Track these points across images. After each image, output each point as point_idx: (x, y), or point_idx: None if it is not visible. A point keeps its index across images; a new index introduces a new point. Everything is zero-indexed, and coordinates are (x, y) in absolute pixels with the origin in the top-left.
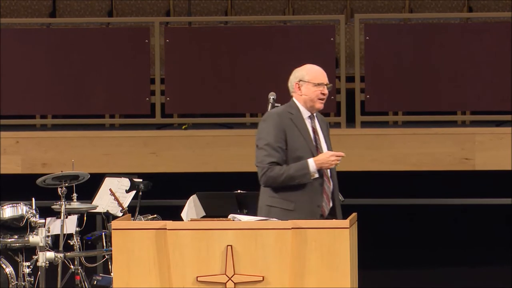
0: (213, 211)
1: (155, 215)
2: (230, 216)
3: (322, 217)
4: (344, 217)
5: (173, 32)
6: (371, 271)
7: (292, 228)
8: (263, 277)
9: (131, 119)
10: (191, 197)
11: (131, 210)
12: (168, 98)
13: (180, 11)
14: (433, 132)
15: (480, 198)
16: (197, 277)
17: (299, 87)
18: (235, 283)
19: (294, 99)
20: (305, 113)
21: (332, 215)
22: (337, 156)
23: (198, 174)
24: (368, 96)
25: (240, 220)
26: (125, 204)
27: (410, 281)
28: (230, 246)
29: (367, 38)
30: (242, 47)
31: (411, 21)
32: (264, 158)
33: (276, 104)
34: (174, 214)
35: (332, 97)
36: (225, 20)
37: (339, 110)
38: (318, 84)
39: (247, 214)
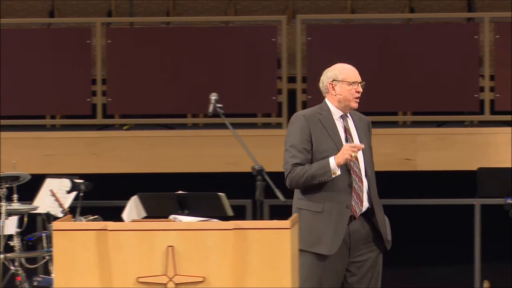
0: (154, 211)
1: (96, 216)
2: (171, 216)
3: (353, 218)
4: (287, 217)
5: (114, 32)
6: None
7: (233, 228)
8: (204, 278)
9: (72, 120)
10: (132, 197)
11: (72, 211)
12: (109, 99)
13: (122, 12)
14: (374, 132)
15: (422, 199)
16: (138, 278)
17: (333, 87)
18: (176, 284)
19: (326, 99)
20: (337, 113)
21: (372, 216)
22: (353, 148)
23: (140, 174)
24: (310, 97)
25: (181, 220)
26: (66, 205)
27: None
28: (171, 247)
29: (309, 38)
30: (184, 48)
31: (353, 21)
32: (289, 159)
33: (218, 105)
34: (115, 215)
35: (274, 97)
36: (167, 21)
37: (281, 110)
38: (353, 83)
39: (188, 214)
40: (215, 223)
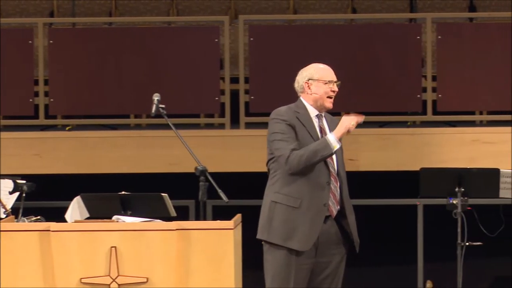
0: (97, 212)
1: (39, 217)
2: (115, 217)
3: (330, 218)
4: (230, 218)
5: (57, 33)
6: (250, 271)
7: (176, 229)
8: (147, 278)
9: (14, 120)
10: (75, 198)
11: (15, 212)
12: (52, 99)
13: (64, 12)
14: None
15: (365, 199)
16: (81, 278)
17: (308, 86)
18: (119, 285)
19: (301, 98)
20: (313, 112)
21: (341, 217)
22: (354, 119)
23: (82, 175)
24: (252, 97)
25: (124, 221)
26: (8, 206)
27: None
28: (114, 248)
29: (252, 39)
30: (126, 48)
31: (295, 22)
32: (285, 146)
33: (160, 106)
34: (58, 215)
35: (217, 98)
36: (109, 21)
37: (223, 111)
38: (328, 82)
39: (131, 215)
40: (158, 223)
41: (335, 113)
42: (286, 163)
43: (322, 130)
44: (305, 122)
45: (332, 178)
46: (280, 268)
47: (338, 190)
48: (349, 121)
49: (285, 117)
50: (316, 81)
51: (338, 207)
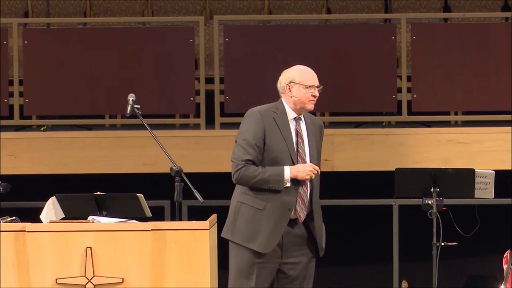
0: (73, 213)
1: (14, 217)
2: (90, 218)
3: (297, 222)
4: (205, 218)
5: (31, 33)
6: (226, 271)
7: (152, 229)
8: (123, 279)
9: None
10: (50, 199)
11: None
12: (26, 100)
13: (39, 12)
14: None
15: (341, 199)
16: (56, 279)
17: (289, 88)
18: (94, 285)
19: (282, 99)
20: (291, 115)
21: (309, 221)
22: (314, 170)
23: (57, 175)
24: (227, 98)
25: (99, 221)
26: None
27: None
28: (89, 248)
29: (226, 39)
30: (101, 49)
31: (270, 22)
32: (240, 154)
33: (135, 106)
34: (33, 216)
35: (191, 98)
36: (84, 21)
37: (199, 111)
38: (309, 86)
39: (106, 215)
40: (134, 224)
41: (311, 114)
42: (235, 173)
43: (298, 133)
44: (280, 124)
45: (302, 183)
46: (242, 266)
47: (308, 194)
48: (312, 173)
49: (256, 119)
50: (297, 84)
51: (307, 211)
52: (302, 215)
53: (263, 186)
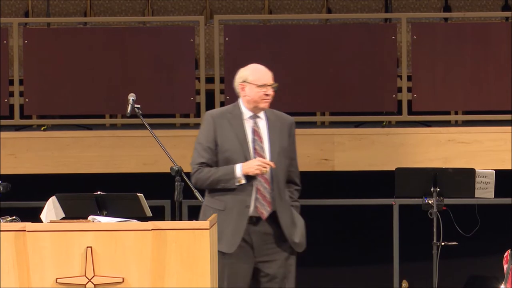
0: (73, 212)
1: (14, 217)
2: (90, 217)
3: (259, 220)
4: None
5: (31, 33)
6: None
7: (152, 229)
8: (123, 279)
9: None
10: (51, 198)
11: None
12: (27, 99)
13: (39, 12)
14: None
15: (341, 199)
16: (56, 278)
17: (242, 88)
18: (95, 285)
19: (239, 99)
20: (247, 113)
21: (273, 218)
22: (265, 164)
23: (58, 175)
24: (228, 97)
25: (100, 221)
26: None
27: None
28: (90, 248)
29: (227, 39)
30: (101, 48)
31: (270, 22)
32: (195, 158)
33: (136, 106)
34: (33, 215)
35: (192, 98)
36: (84, 21)
37: (199, 111)
38: (262, 85)
39: (107, 215)
40: (134, 223)
41: (311, 114)
42: (192, 177)
43: (254, 131)
44: (234, 124)
45: (261, 180)
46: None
47: (270, 190)
48: (261, 167)
49: (207, 122)
50: (249, 83)
51: (271, 207)
52: (265, 211)
53: (217, 186)
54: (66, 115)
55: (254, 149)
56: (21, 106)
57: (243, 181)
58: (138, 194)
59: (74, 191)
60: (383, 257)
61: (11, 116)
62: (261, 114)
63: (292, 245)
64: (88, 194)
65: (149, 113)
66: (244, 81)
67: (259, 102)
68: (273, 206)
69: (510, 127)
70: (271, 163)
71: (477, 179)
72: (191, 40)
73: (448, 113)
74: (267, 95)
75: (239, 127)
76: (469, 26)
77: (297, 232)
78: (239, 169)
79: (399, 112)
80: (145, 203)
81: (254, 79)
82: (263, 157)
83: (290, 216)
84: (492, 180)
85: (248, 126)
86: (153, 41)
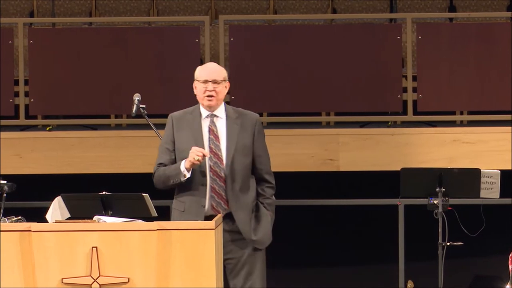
0: (78, 212)
1: (20, 217)
2: (95, 217)
3: (212, 217)
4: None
5: (37, 33)
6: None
7: (157, 229)
8: (128, 279)
9: None
10: (56, 198)
11: None
12: (32, 100)
13: (44, 12)
14: (297, 133)
15: (346, 199)
16: (62, 279)
17: (195, 87)
18: (100, 285)
19: None
20: (204, 113)
21: (230, 216)
22: (198, 152)
23: (63, 175)
24: (232, 97)
25: (105, 221)
26: None
27: (280, 282)
28: (95, 248)
29: (232, 39)
30: (106, 48)
31: (275, 22)
32: (157, 159)
33: (141, 106)
34: (39, 215)
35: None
36: (89, 21)
37: None
38: (203, 81)
39: (112, 215)
40: (139, 223)
41: (315, 114)
42: (153, 178)
43: (210, 130)
44: (191, 124)
45: (216, 178)
46: None
47: (225, 189)
48: (194, 154)
49: (168, 123)
50: (196, 81)
51: (228, 206)
52: (221, 209)
53: (168, 183)
54: (71, 115)
55: (210, 147)
56: (26, 106)
57: (188, 175)
58: (143, 194)
59: (79, 191)
60: (388, 257)
61: (16, 116)
62: (220, 113)
63: (250, 242)
64: (93, 194)
65: (154, 113)
66: (195, 80)
67: (202, 100)
68: (229, 204)
69: None
70: (206, 152)
71: (483, 179)
72: (196, 40)
73: (453, 113)
74: (208, 91)
75: (196, 127)
76: (474, 26)
77: (258, 229)
78: (183, 165)
79: (404, 112)
80: (150, 203)
81: (197, 76)
82: (219, 155)
83: (248, 214)
84: (497, 180)
85: (205, 125)
86: (158, 41)
